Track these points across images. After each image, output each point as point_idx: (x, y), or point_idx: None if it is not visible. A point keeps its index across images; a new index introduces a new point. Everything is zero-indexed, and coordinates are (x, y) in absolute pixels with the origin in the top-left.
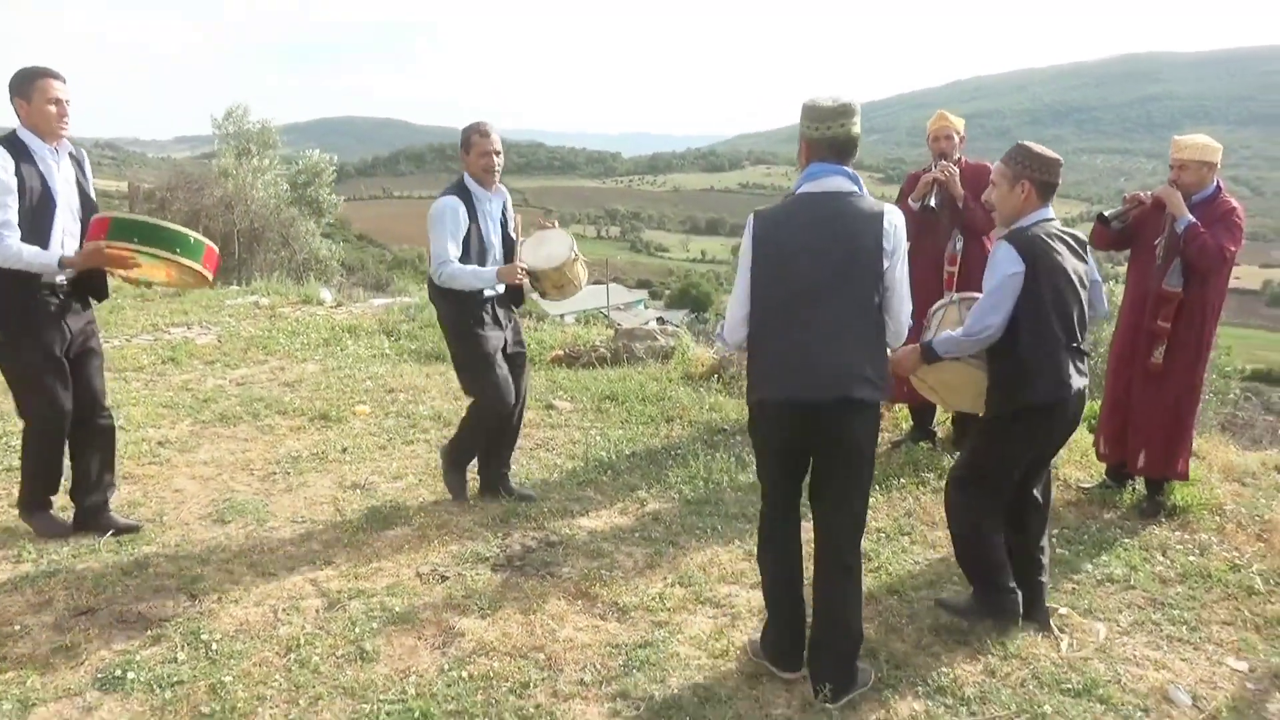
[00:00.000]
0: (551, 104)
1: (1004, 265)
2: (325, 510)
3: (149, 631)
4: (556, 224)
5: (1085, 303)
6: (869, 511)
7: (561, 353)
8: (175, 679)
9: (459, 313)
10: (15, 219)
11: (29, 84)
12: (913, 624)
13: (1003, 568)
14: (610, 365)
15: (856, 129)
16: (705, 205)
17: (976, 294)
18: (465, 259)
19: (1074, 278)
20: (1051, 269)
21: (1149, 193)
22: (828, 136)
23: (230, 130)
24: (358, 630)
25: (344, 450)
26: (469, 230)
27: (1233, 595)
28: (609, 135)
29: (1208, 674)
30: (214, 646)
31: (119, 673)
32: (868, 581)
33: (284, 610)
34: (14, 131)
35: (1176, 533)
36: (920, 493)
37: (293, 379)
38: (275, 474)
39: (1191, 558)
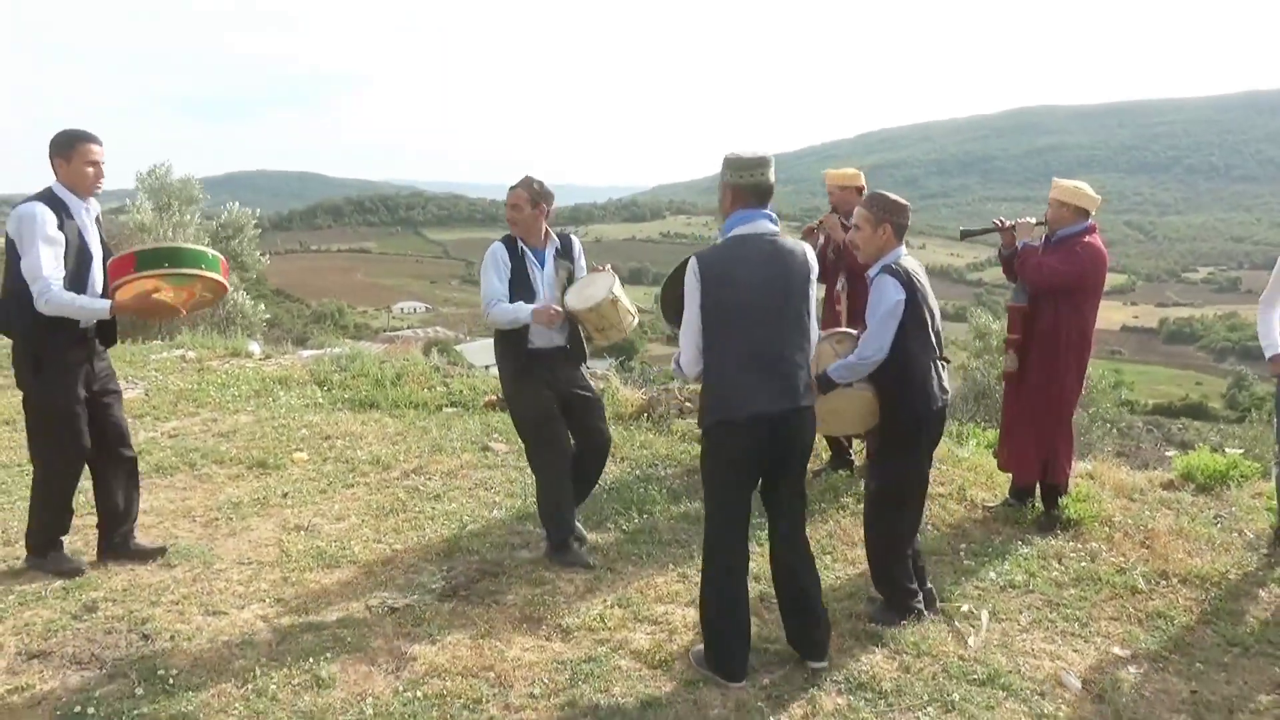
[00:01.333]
0: (470, 156)
1: (890, 294)
2: (271, 552)
3: (104, 670)
4: (608, 268)
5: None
6: None
7: (495, 398)
8: (136, 712)
9: (505, 359)
10: (61, 271)
11: (70, 146)
12: (834, 630)
13: (911, 578)
14: None
15: (773, 177)
16: (628, 254)
17: (842, 330)
18: (514, 298)
19: (933, 299)
20: (924, 293)
21: (1011, 220)
22: (751, 183)
23: (153, 185)
24: (312, 660)
25: (285, 495)
26: (513, 274)
27: (1119, 595)
28: None
29: (1096, 661)
30: (171, 681)
31: (79, 708)
32: None
33: (237, 645)
34: (50, 189)
35: (1071, 543)
36: (840, 516)
37: (227, 429)
38: (218, 520)
39: (1083, 564)
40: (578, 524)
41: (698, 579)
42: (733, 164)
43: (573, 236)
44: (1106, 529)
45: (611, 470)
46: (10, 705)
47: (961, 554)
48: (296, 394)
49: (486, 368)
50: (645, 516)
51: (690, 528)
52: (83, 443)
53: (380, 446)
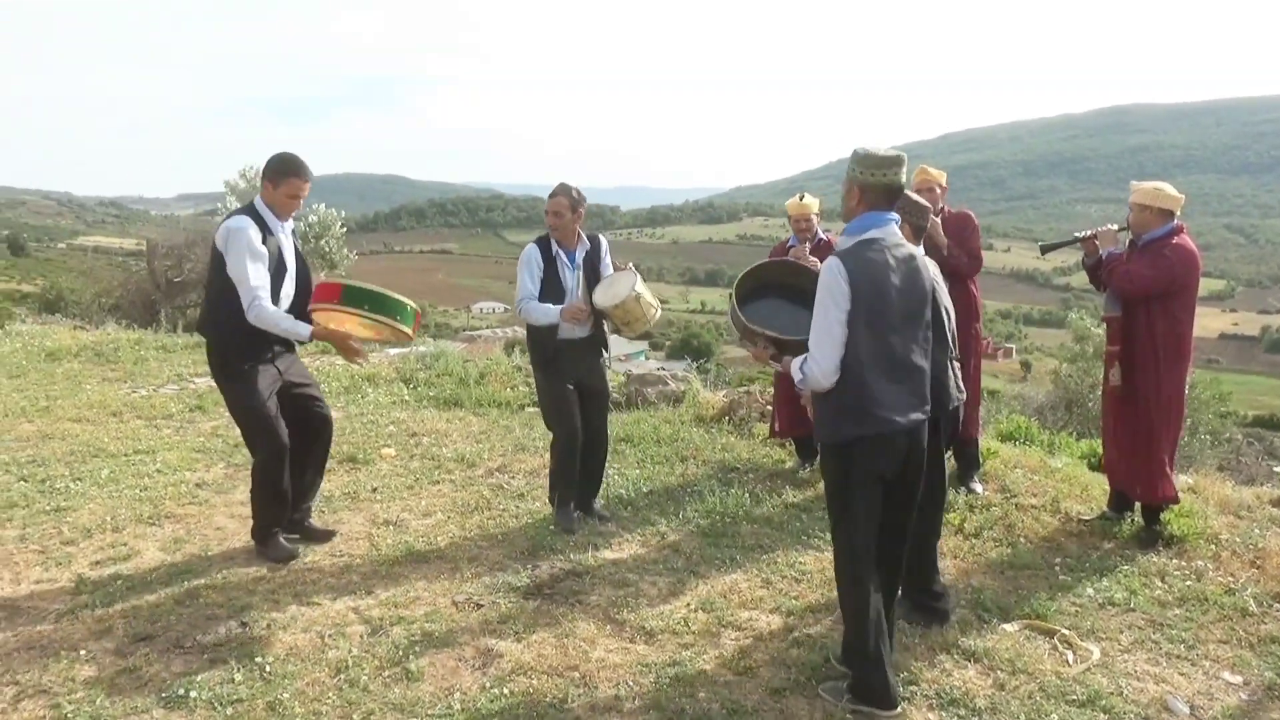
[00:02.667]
0: (549, 158)
1: None
2: (361, 545)
3: (205, 656)
4: (630, 266)
5: None
6: None
7: None
8: (234, 697)
9: (534, 349)
10: (267, 284)
11: (282, 176)
12: (925, 643)
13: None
14: (624, 410)
15: (905, 177)
16: (704, 257)
17: None
18: (544, 299)
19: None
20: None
21: (1089, 230)
22: (884, 183)
23: (242, 188)
24: (401, 653)
25: (374, 490)
26: (545, 274)
27: (1228, 616)
28: (606, 189)
29: (1204, 687)
30: (268, 668)
31: (181, 692)
32: None
33: (330, 635)
34: (254, 204)
35: (1174, 560)
36: None
37: None
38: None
39: (1188, 583)
40: (599, 504)
41: (782, 585)
42: (866, 161)
43: (600, 237)
44: (1213, 547)
45: (693, 472)
46: (119, 686)
47: (1057, 568)
48: (384, 391)
49: None
50: (727, 520)
51: (773, 533)
52: (278, 435)
53: (465, 444)
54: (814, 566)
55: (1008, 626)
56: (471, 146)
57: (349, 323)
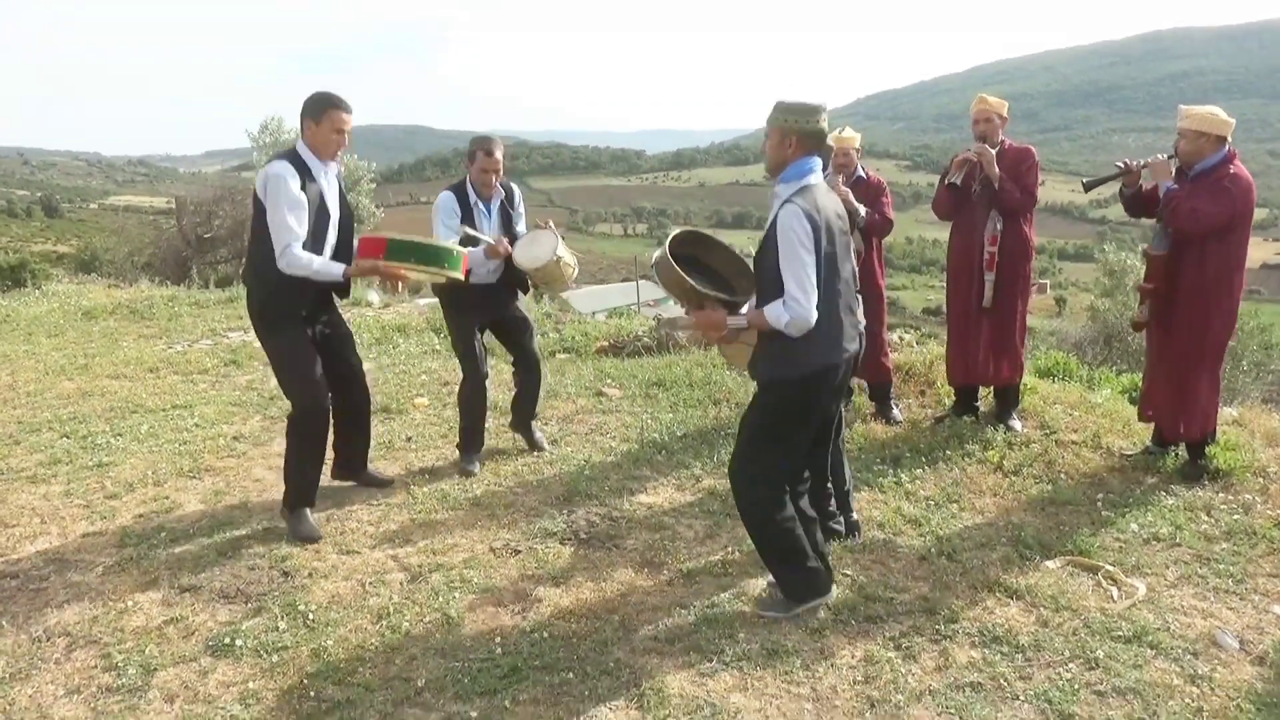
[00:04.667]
0: (572, 104)
1: None
2: (398, 494)
3: (249, 605)
4: (550, 224)
5: None
6: (918, 483)
7: (606, 343)
8: (280, 645)
9: (445, 290)
10: (304, 232)
11: (322, 110)
12: (965, 581)
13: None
14: (655, 354)
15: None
16: (731, 199)
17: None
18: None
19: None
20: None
21: (1139, 161)
22: (816, 130)
23: (267, 141)
24: (441, 599)
25: (408, 439)
26: (462, 223)
27: (1277, 550)
28: (631, 133)
29: (1254, 621)
30: (311, 616)
31: (228, 640)
32: (918, 544)
33: (371, 584)
34: (295, 149)
35: (1220, 494)
36: (965, 464)
37: None
38: None
39: (1236, 516)
40: (538, 431)
41: None
42: (797, 109)
43: (514, 186)
44: (1260, 480)
45: (726, 414)
46: (167, 635)
47: (1099, 504)
48: (415, 341)
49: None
50: None
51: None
52: (318, 387)
53: (496, 392)
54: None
55: (1050, 563)
56: (495, 95)
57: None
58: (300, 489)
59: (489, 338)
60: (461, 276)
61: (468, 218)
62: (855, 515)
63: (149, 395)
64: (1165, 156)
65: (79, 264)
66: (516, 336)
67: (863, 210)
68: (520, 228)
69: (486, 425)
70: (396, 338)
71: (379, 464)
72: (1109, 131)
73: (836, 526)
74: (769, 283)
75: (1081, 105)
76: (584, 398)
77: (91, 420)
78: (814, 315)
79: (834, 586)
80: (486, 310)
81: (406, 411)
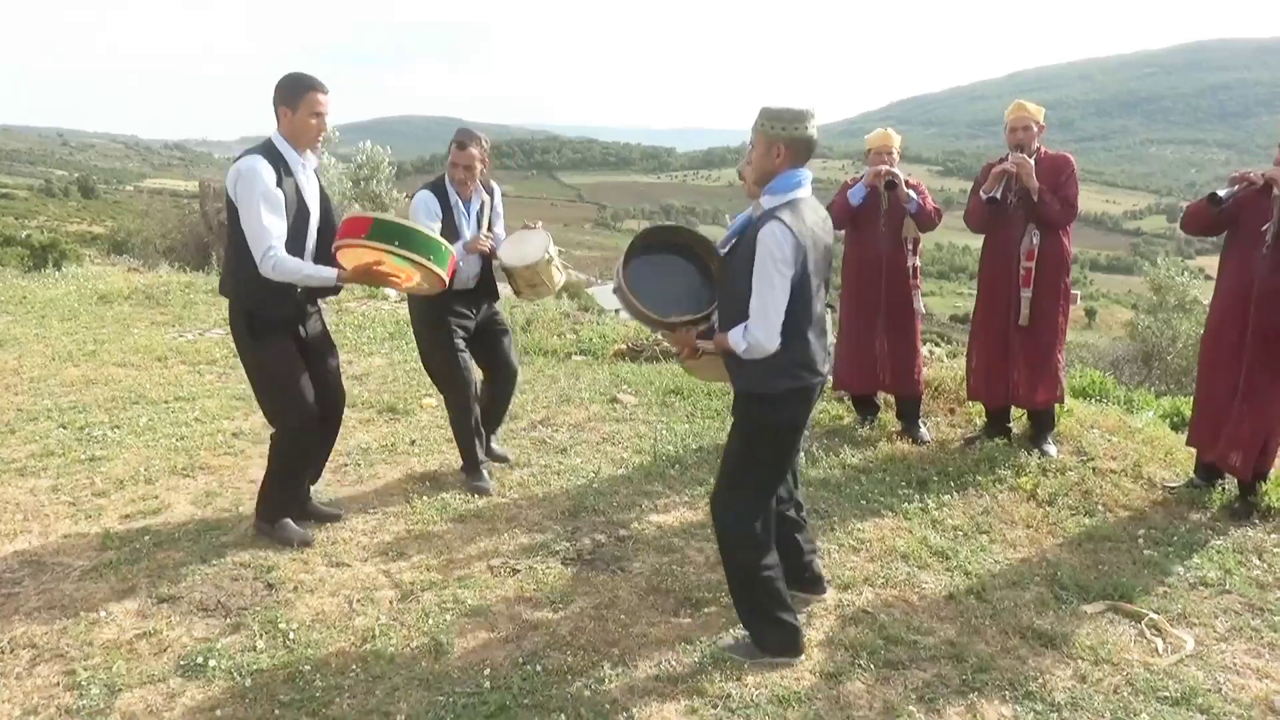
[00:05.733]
0: (604, 100)
1: None
2: (396, 502)
3: (228, 620)
4: (540, 225)
5: None
6: (945, 510)
7: (624, 347)
8: (255, 667)
9: (421, 302)
10: (284, 233)
11: (299, 94)
12: (995, 625)
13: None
14: (674, 359)
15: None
16: None
17: None
18: None
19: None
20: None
21: (1260, 172)
22: (806, 137)
23: None
24: (431, 622)
25: (412, 443)
26: (442, 223)
27: None
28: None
29: None
30: (291, 636)
31: (201, 660)
32: (945, 579)
33: (358, 601)
34: (270, 141)
35: (1272, 535)
36: (997, 491)
37: (360, 372)
38: (346, 466)
39: None
40: (496, 445)
41: (838, 555)
42: (785, 116)
43: (495, 185)
44: None
45: None
46: (137, 651)
47: (1140, 542)
48: None
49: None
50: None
51: (830, 496)
52: (308, 405)
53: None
54: (873, 534)
55: (1088, 608)
56: (526, 90)
57: (386, 263)
58: (282, 504)
59: None
60: (446, 276)
61: (447, 219)
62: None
63: (153, 385)
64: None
65: (112, 245)
66: (494, 345)
67: (914, 195)
68: (499, 229)
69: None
70: (409, 333)
71: (379, 468)
72: (1146, 142)
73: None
74: (736, 299)
75: (1119, 115)
76: (598, 404)
77: (91, 410)
78: (775, 343)
79: (803, 650)
80: (465, 318)
81: (413, 413)
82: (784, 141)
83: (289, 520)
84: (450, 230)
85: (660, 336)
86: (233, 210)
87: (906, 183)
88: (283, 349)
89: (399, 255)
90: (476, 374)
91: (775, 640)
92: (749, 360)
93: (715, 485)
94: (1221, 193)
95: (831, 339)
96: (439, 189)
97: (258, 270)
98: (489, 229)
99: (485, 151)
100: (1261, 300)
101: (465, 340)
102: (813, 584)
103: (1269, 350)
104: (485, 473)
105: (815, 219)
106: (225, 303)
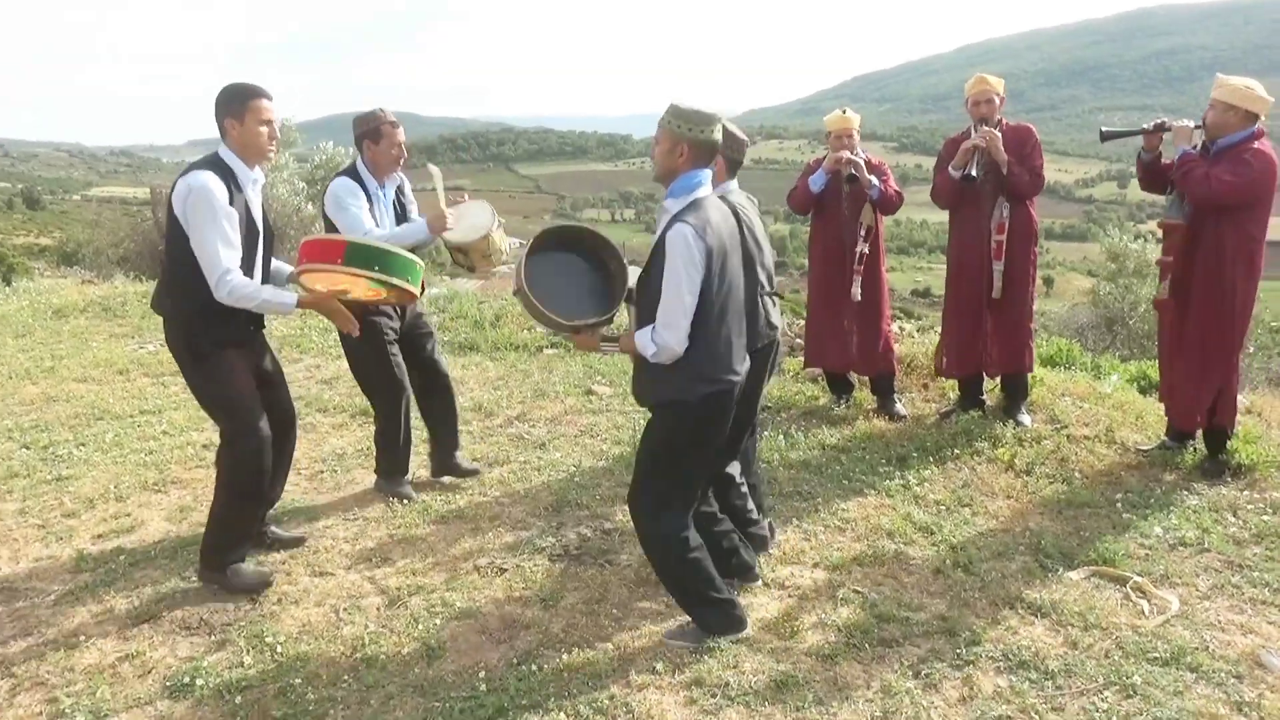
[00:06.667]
0: (558, 89)
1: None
2: (376, 507)
3: (212, 637)
4: (466, 197)
5: None
6: (927, 486)
7: None
8: (244, 683)
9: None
10: (239, 255)
11: (243, 103)
12: (985, 597)
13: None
14: None
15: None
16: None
17: None
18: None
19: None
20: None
21: (1167, 120)
22: (712, 139)
23: None
24: (422, 627)
25: None
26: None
27: None
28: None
29: None
30: (279, 649)
31: (188, 680)
32: (932, 554)
33: (345, 610)
34: (217, 155)
35: (1245, 492)
36: (975, 463)
37: (330, 376)
38: (323, 473)
39: (1264, 517)
40: (463, 461)
41: (824, 536)
42: (694, 117)
43: (402, 174)
44: None
45: None
46: (121, 675)
47: (1119, 505)
48: None
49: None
50: (762, 465)
51: (812, 478)
52: (260, 424)
53: (482, 392)
54: (857, 513)
55: (1073, 575)
56: (479, 81)
57: (357, 287)
58: (233, 543)
59: None
60: (418, 292)
61: (369, 205)
62: (769, 519)
63: (116, 400)
64: (1192, 124)
65: (61, 256)
66: (420, 350)
67: (876, 181)
68: (415, 216)
69: (470, 428)
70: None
71: (356, 473)
72: (1095, 110)
73: (760, 532)
74: (650, 304)
75: (1068, 84)
76: (573, 396)
77: (54, 428)
78: (683, 347)
79: (749, 623)
80: (391, 319)
81: None
82: (689, 142)
83: (239, 564)
84: (370, 217)
85: (563, 338)
86: (176, 227)
87: (869, 164)
88: (229, 366)
89: (376, 279)
90: (408, 383)
91: (716, 620)
92: (667, 368)
93: (631, 485)
94: (1105, 129)
95: (772, 329)
96: (355, 175)
97: (203, 289)
98: (405, 217)
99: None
100: (1162, 243)
101: (395, 340)
102: (741, 571)
103: (1190, 296)
104: (406, 479)
105: (719, 217)
106: None
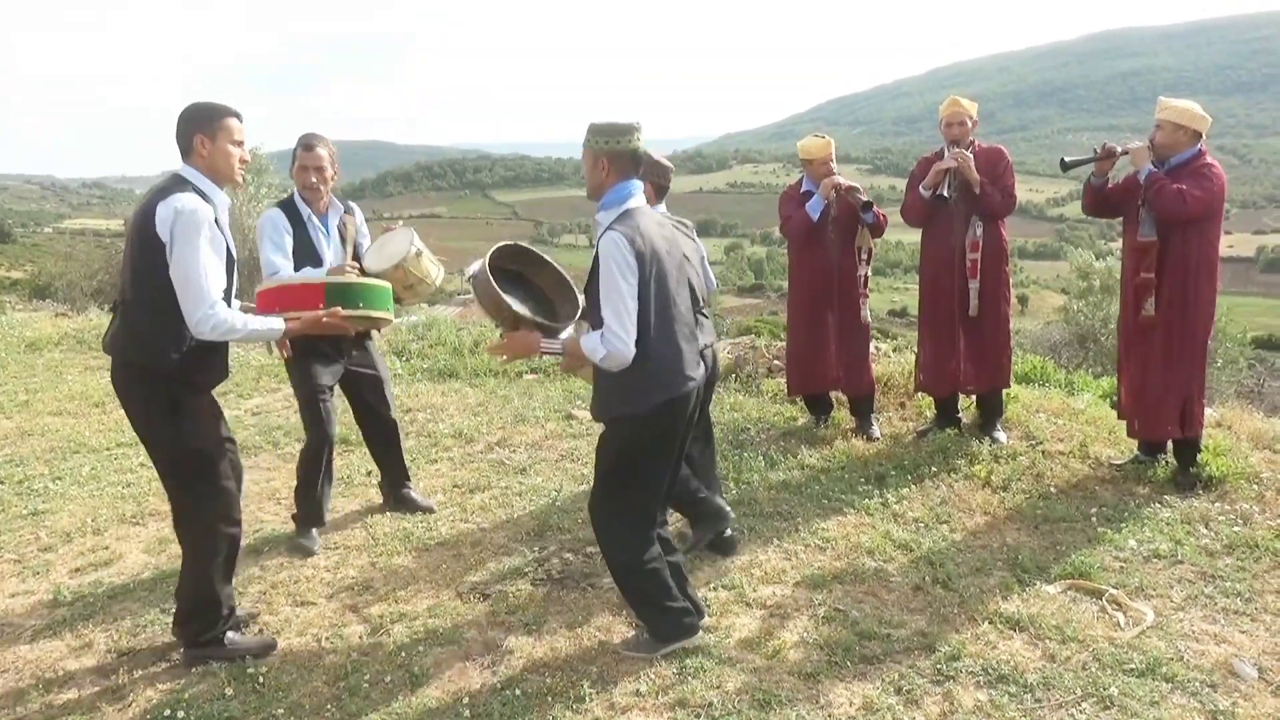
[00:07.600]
0: (534, 116)
1: None
2: (357, 535)
3: (193, 669)
4: (400, 224)
5: None
6: (905, 504)
7: None
8: (227, 715)
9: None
10: (225, 286)
11: (215, 121)
12: (964, 612)
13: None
14: None
15: (642, 144)
16: (695, 207)
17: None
18: (298, 269)
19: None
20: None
21: (1120, 145)
22: (630, 149)
23: None
24: (404, 654)
25: (368, 474)
26: (295, 240)
27: None
28: None
29: (1270, 645)
30: (261, 680)
31: (169, 713)
32: (911, 571)
33: (328, 639)
34: (182, 176)
35: (1216, 504)
36: (953, 480)
37: None
38: None
39: (1236, 528)
40: (417, 496)
41: (805, 555)
42: (609, 130)
43: (354, 205)
44: (1255, 487)
45: None
46: (101, 711)
47: (1094, 519)
48: (399, 363)
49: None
50: (743, 486)
51: (792, 498)
52: (229, 491)
53: (462, 418)
54: (837, 532)
55: (1050, 588)
56: (454, 108)
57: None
58: (202, 626)
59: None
60: (392, 317)
61: (302, 237)
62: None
63: (93, 433)
64: (1145, 145)
65: (33, 290)
66: (366, 394)
67: (875, 206)
68: (365, 247)
69: (450, 454)
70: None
71: (337, 501)
72: (1063, 131)
73: (715, 503)
74: (597, 313)
75: (1037, 105)
76: (553, 421)
77: (29, 462)
78: (631, 351)
79: (701, 628)
80: (333, 359)
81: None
82: (607, 155)
83: (231, 633)
84: (308, 250)
85: (501, 335)
86: (153, 255)
87: (849, 188)
88: (210, 426)
89: (358, 317)
90: (337, 425)
91: (668, 628)
92: (624, 380)
93: (592, 493)
94: (1067, 159)
95: (707, 343)
96: (289, 207)
97: (184, 328)
98: (354, 253)
99: (335, 155)
100: (1134, 263)
101: (331, 384)
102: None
103: (1162, 315)
104: (314, 533)
105: (651, 225)
106: None
